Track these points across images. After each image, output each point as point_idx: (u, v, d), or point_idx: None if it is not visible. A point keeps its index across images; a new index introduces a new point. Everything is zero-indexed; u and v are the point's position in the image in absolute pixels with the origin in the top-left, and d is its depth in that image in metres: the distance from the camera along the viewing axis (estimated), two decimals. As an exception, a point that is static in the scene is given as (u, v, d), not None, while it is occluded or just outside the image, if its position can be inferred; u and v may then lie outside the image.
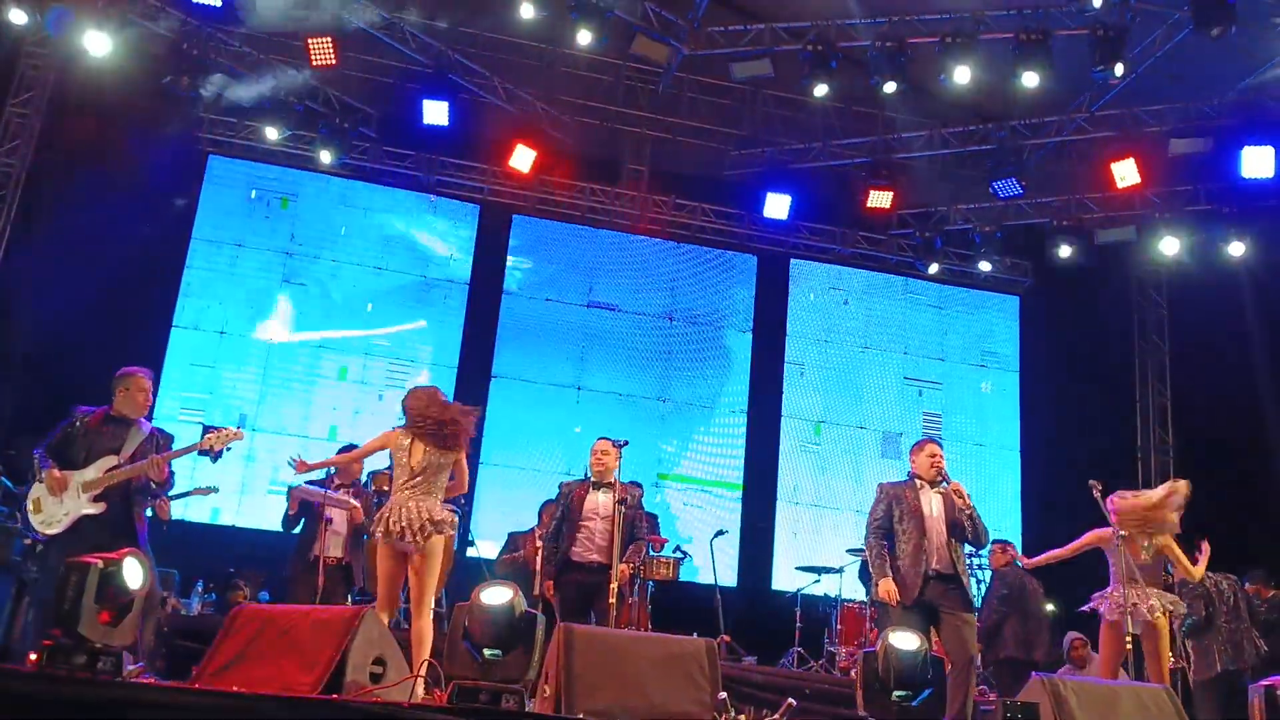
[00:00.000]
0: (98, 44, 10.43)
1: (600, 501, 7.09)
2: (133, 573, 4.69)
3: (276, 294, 12.49)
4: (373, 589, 6.55)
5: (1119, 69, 10.21)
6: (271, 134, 11.87)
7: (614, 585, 6.47)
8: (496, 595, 5.02)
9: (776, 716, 4.97)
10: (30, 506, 6.09)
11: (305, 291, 12.59)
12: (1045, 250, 13.00)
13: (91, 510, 6.04)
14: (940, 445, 6.82)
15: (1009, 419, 14.06)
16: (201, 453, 6.46)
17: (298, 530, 7.92)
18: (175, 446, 6.46)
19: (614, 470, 7.19)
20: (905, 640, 5.21)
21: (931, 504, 6.59)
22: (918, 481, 6.65)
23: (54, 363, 10.55)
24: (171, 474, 6.41)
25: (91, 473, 6.10)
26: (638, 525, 7.18)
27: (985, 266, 13.64)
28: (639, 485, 7.56)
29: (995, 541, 9.71)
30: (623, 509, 6.88)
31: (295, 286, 12.57)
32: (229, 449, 6.57)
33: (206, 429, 11.35)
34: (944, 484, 6.61)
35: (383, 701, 4.52)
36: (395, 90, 12.41)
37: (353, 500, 7.83)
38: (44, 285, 11.13)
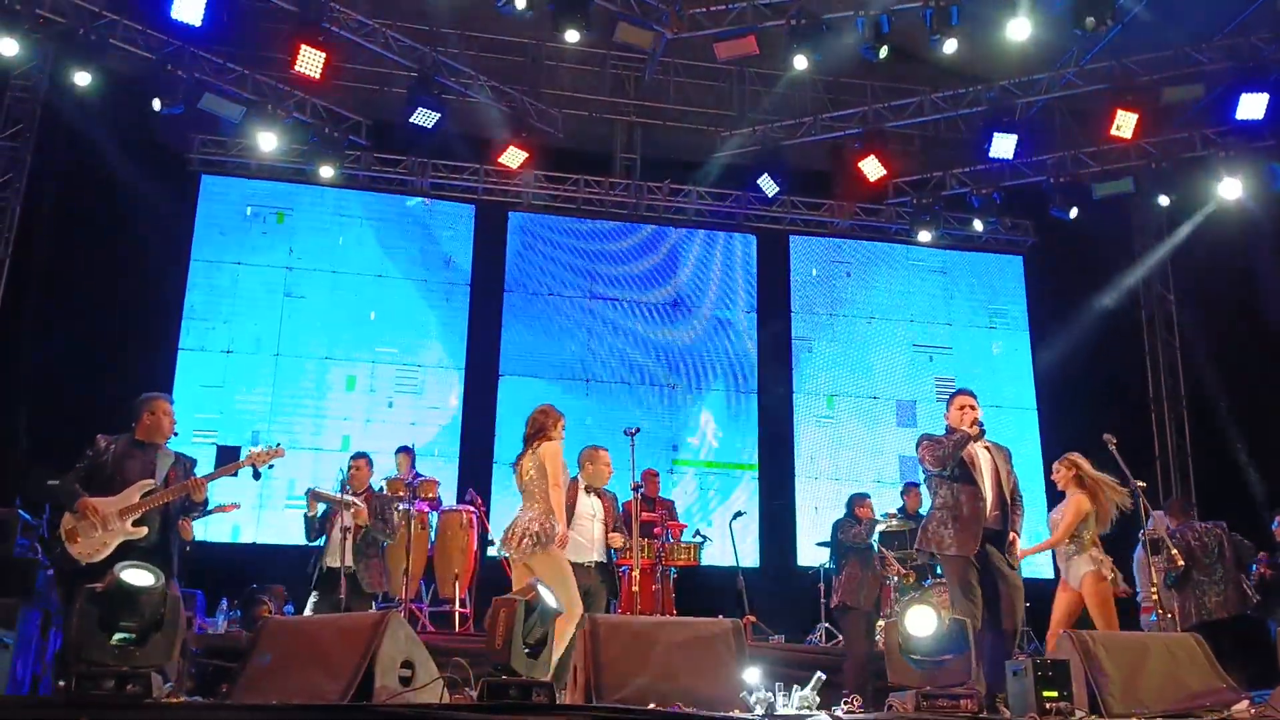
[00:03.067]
0: (82, 75, 10.41)
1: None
2: (136, 577, 4.72)
3: (279, 309, 12.50)
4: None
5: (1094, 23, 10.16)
6: (267, 146, 11.82)
7: (635, 573, 6.49)
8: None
9: (806, 691, 4.97)
10: (64, 536, 6.06)
11: (308, 304, 12.59)
12: (1045, 208, 12.97)
13: (133, 535, 6.06)
14: (973, 395, 6.74)
15: (1023, 379, 14.04)
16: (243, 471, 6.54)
17: (320, 542, 7.94)
18: (198, 469, 6.47)
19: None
20: (919, 625, 5.18)
21: (979, 458, 6.58)
22: (956, 435, 6.58)
23: (64, 395, 10.58)
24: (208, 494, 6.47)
25: (131, 497, 6.10)
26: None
27: (978, 227, 13.67)
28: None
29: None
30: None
31: (297, 300, 12.57)
32: (271, 466, 6.61)
33: (220, 449, 11.49)
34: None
35: (414, 704, 4.53)
36: (382, 96, 12.41)
37: (358, 501, 7.81)
38: (49, 317, 11.16)
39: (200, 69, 11.36)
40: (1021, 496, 6.68)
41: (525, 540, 6.48)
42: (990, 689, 5.95)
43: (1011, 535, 6.47)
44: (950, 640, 5.19)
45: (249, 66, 11.71)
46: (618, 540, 7.23)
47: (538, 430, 6.83)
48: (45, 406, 10.59)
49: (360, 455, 8.43)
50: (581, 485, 7.22)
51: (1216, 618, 8.25)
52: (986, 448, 6.65)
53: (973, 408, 6.64)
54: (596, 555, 7.08)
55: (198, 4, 9.90)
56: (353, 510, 7.74)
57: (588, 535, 7.07)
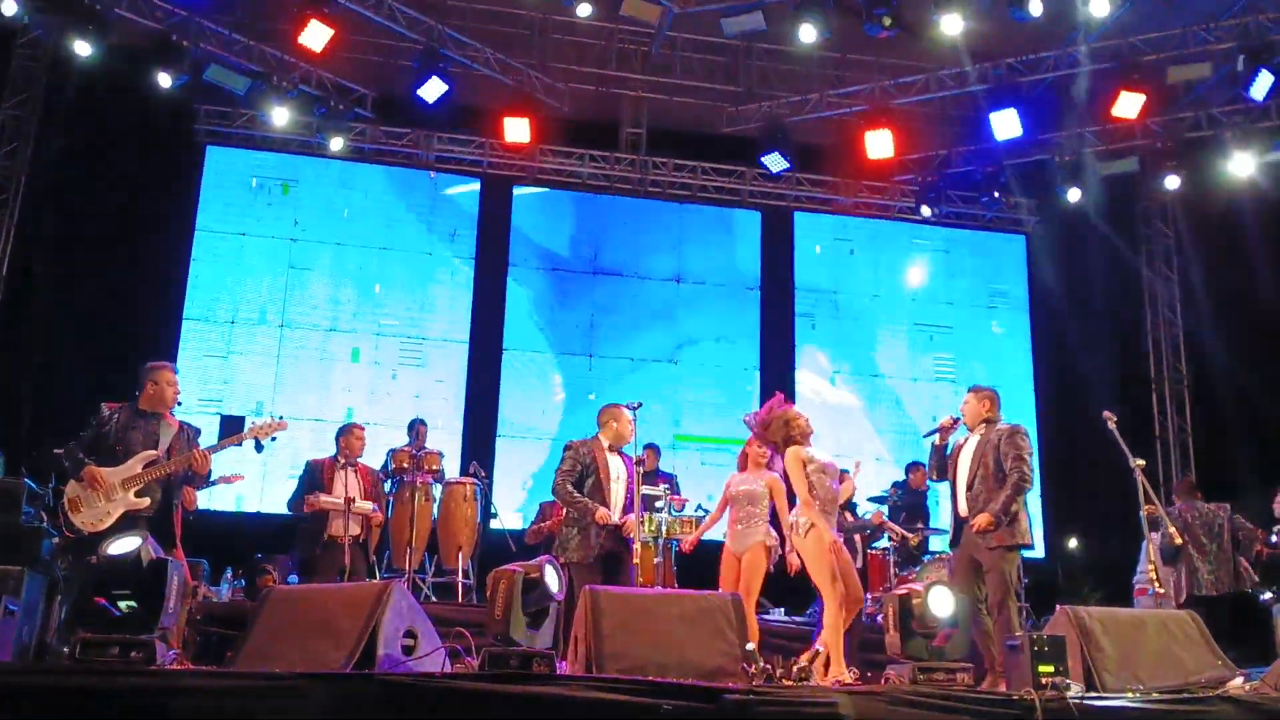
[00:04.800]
0: (82, 45, 10.38)
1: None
2: (116, 546, 4.79)
3: (284, 280, 12.52)
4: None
5: (1105, 4, 10.12)
6: (278, 120, 11.84)
7: (637, 546, 6.51)
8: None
9: (804, 663, 5.02)
10: (67, 506, 6.10)
11: (312, 276, 12.61)
12: (1049, 187, 12.95)
13: (136, 505, 6.09)
14: (969, 391, 6.99)
15: (1022, 359, 14.05)
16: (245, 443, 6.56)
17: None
18: (201, 439, 6.50)
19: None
20: (941, 605, 5.24)
21: (962, 452, 6.80)
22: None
23: (69, 364, 10.62)
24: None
25: (134, 468, 6.13)
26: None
27: (982, 206, 13.69)
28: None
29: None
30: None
31: (302, 271, 12.59)
32: (274, 439, 6.63)
33: (224, 419, 11.53)
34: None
35: (416, 673, 4.58)
36: (388, 68, 12.38)
37: (369, 506, 7.92)
38: (54, 286, 11.19)
39: (206, 40, 11.35)
40: (1005, 474, 6.51)
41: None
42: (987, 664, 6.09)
43: (981, 516, 6.46)
44: (954, 617, 5.25)
45: (255, 38, 11.70)
46: (631, 527, 7.02)
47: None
48: (50, 375, 10.64)
49: (358, 425, 8.46)
50: (605, 445, 7.11)
51: (1208, 594, 8.31)
52: (980, 435, 6.74)
53: (964, 402, 6.93)
54: (617, 519, 6.97)
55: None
56: (369, 515, 7.87)
57: (613, 498, 7.00)
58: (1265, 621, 8.32)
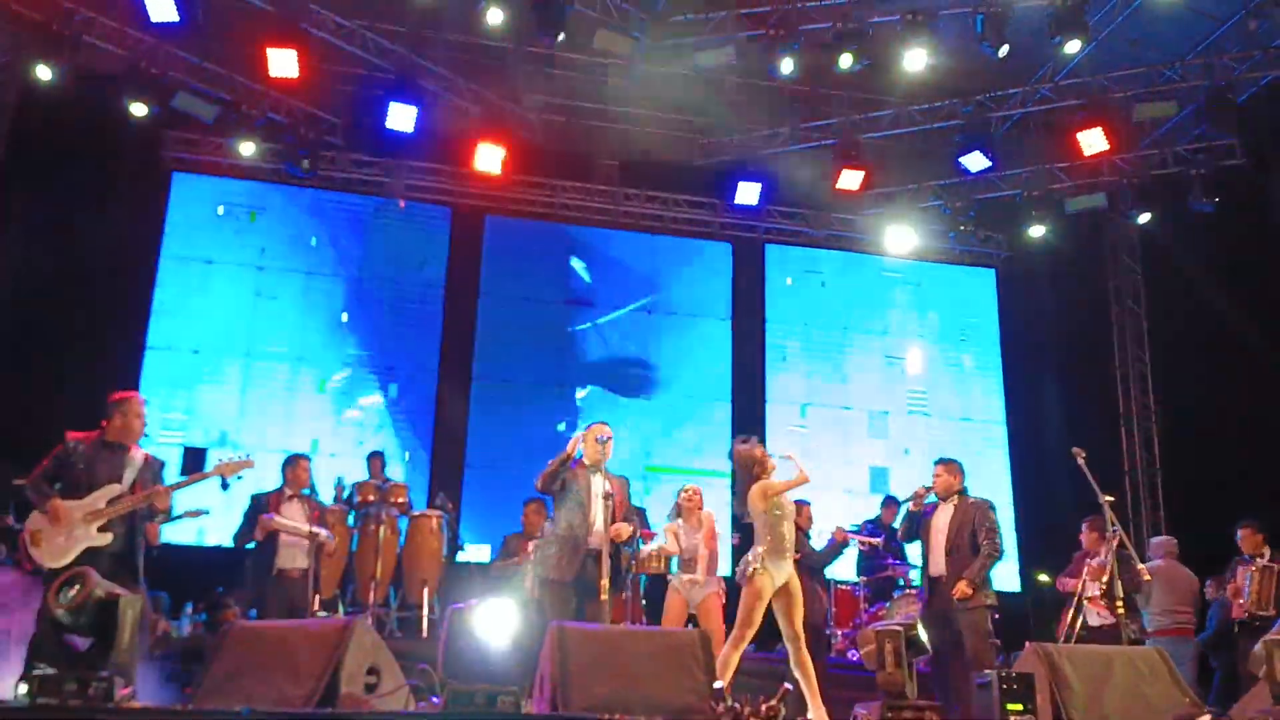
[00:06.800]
0: (45, 70, 10.28)
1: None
2: (64, 595, 4.69)
3: (250, 309, 12.40)
4: None
5: (1076, 43, 10.24)
6: (248, 148, 11.80)
7: (604, 582, 6.39)
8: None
9: (773, 702, 4.97)
10: (29, 539, 5.94)
11: (279, 305, 12.50)
12: (1018, 222, 13.06)
13: (98, 542, 5.93)
14: (936, 464, 7.54)
15: (992, 392, 14.12)
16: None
17: (250, 546, 7.88)
18: (165, 471, 6.37)
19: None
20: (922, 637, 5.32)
21: (936, 519, 7.35)
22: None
23: (29, 390, 10.45)
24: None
25: (97, 503, 5.98)
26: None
27: (952, 239, 13.77)
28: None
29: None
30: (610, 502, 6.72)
31: (268, 300, 12.48)
32: (240, 477, 6.49)
33: (187, 450, 11.37)
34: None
35: (378, 711, 4.50)
36: (359, 97, 12.32)
37: (324, 532, 7.76)
38: (15, 311, 11.02)
39: (175, 67, 11.27)
40: (980, 544, 7.12)
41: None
42: (954, 708, 6.41)
43: (961, 584, 7.00)
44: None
45: (225, 65, 11.62)
46: (624, 532, 6.68)
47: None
48: (8, 403, 10.45)
49: (304, 456, 8.31)
50: (586, 464, 6.80)
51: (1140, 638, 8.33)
52: (954, 505, 7.30)
53: (935, 476, 7.44)
54: (596, 543, 6.56)
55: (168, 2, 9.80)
56: (324, 543, 7.70)
57: (595, 514, 6.61)
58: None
